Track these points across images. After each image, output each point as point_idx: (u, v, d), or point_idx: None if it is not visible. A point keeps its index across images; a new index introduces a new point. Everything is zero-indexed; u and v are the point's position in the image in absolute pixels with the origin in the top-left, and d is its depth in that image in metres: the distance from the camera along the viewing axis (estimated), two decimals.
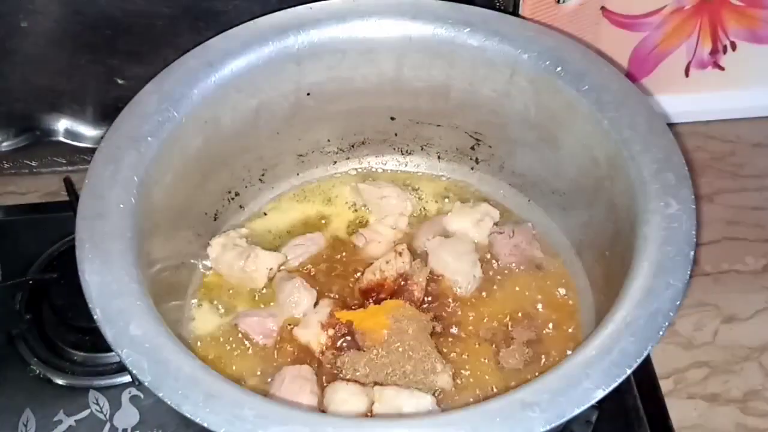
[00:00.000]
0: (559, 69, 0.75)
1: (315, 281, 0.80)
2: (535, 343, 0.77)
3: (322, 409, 0.71)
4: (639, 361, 0.57)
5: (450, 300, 0.79)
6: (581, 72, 0.75)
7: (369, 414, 0.70)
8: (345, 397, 0.70)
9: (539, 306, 0.80)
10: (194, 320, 0.79)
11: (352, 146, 0.91)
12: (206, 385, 0.56)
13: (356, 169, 0.92)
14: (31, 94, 0.96)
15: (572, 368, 0.57)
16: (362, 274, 0.80)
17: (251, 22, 0.78)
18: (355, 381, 0.72)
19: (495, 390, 0.74)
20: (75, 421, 0.80)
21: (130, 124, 0.71)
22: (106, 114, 0.73)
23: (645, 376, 0.85)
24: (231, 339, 0.77)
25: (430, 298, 0.79)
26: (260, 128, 0.82)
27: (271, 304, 0.80)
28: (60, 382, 0.83)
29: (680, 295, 0.61)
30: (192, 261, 0.82)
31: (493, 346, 0.77)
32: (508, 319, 0.79)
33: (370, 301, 0.78)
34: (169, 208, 0.74)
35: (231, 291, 0.81)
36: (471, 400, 0.73)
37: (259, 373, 0.75)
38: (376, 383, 0.71)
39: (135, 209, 0.67)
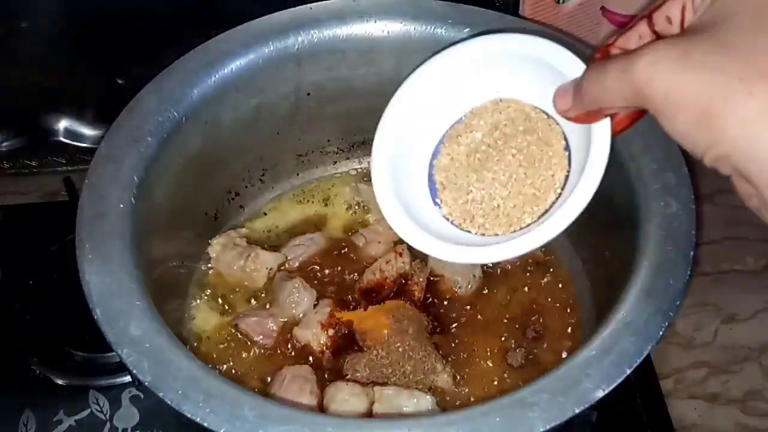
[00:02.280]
0: None
1: (315, 281, 0.80)
2: (535, 343, 0.77)
3: (322, 409, 0.71)
4: (639, 361, 0.57)
5: (450, 300, 0.79)
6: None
7: (369, 414, 0.70)
8: (345, 397, 0.70)
9: (539, 306, 0.80)
10: (194, 320, 0.79)
11: (352, 146, 0.91)
12: (206, 385, 0.56)
13: (356, 169, 0.92)
14: (31, 94, 0.96)
15: (572, 368, 0.57)
16: (362, 274, 0.80)
17: (251, 22, 0.78)
18: (355, 381, 0.72)
19: (495, 390, 0.74)
20: (75, 421, 0.80)
21: (131, 124, 0.71)
22: (107, 114, 0.72)
23: (645, 376, 0.85)
24: (231, 339, 0.77)
25: (430, 298, 0.79)
26: (260, 128, 0.82)
27: (271, 304, 0.80)
28: (60, 382, 0.83)
29: (680, 295, 0.61)
30: (192, 261, 0.82)
31: (493, 346, 0.77)
32: (507, 319, 0.79)
33: (371, 301, 0.78)
34: (170, 208, 0.74)
35: (231, 291, 0.81)
36: (471, 400, 0.73)
37: (259, 372, 0.75)
38: (376, 383, 0.71)
39: (135, 209, 0.67)
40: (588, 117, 0.54)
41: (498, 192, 0.60)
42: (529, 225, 0.59)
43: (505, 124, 0.61)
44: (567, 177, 0.59)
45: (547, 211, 0.59)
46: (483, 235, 0.60)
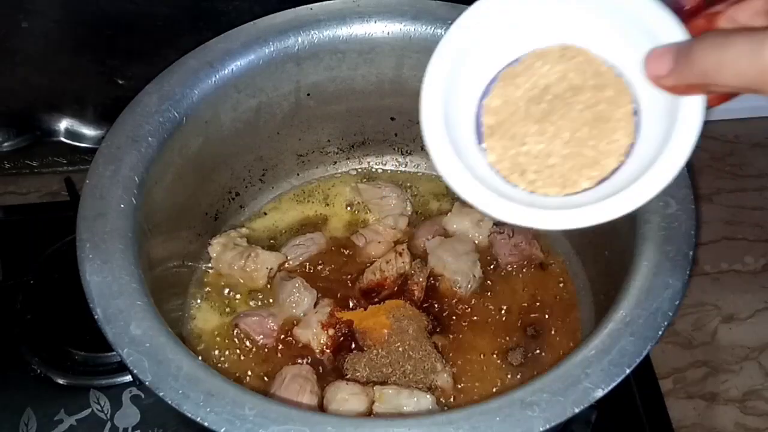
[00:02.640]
0: None
1: (315, 281, 0.80)
2: (535, 343, 0.77)
3: (322, 409, 0.71)
4: (638, 360, 0.57)
5: (450, 300, 0.79)
6: None
7: (369, 414, 0.70)
8: (345, 396, 0.70)
9: (539, 305, 0.80)
10: (194, 320, 0.79)
11: (352, 146, 0.91)
12: (206, 385, 0.56)
13: (356, 169, 0.92)
14: (32, 95, 0.96)
15: (572, 368, 0.57)
16: (362, 274, 0.80)
17: (251, 22, 0.78)
18: (355, 380, 0.72)
19: (494, 389, 0.74)
20: (76, 420, 0.80)
21: (131, 124, 0.71)
22: (107, 114, 0.73)
23: (644, 375, 0.85)
24: (231, 339, 0.77)
25: (430, 298, 0.79)
26: (260, 128, 0.82)
27: (271, 303, 0.80)
28: (61, 381, 0.83)
29: (680, 294, 0.61)
30: (192, 261, 0.82)
31: (493, 345, 0.77)
32: (507, 318, 0.79)
33: (371, 301, 0.78)
34: (170, 208, 0.74)
35: (231, 291, 0.81)
36: (471, 399, 0.73)
37: (259, 372, 0.75)
38: (376, 383, 0.72)
39: (135, 209, 0.67)
40: (686, 89, 0.48)
41: (557, 149, 0.53)
42: (583, 190, 0.53)
43: (574, 75, 0.54)
44: (632, 146, 0.53)
45: (605, 178, 0.53)
46: (531, 192, 0.54)
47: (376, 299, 0.78)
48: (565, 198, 0.53)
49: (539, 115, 0.54)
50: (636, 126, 0.53)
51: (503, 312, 0.79)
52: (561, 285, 0.81)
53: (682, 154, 0.49)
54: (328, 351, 0.75)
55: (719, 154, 1.06)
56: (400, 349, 0.73)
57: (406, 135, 0.89)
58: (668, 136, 0.50)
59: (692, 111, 0.49)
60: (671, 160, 0.49)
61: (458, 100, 0.55)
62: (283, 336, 0.77)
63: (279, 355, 0.76)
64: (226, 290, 0.81)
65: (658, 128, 0.51)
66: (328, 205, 0.89)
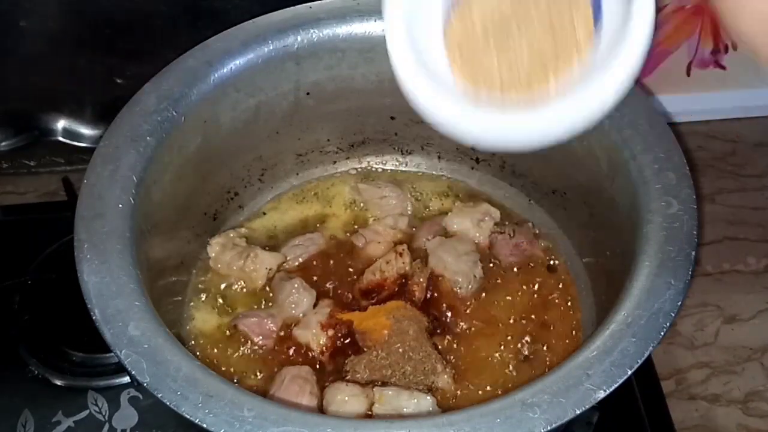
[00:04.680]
0: None
1: (314, 281, 0.80)
2: (536, 344, 0.77)
3: (321, 410, 0.70)
4: (640, 361, 0.57)
5: (450, 300, 0.79)
6: None
7: (369, 415, 0.69)
8: (345, 397, 0.70)
9: (540, 306, 0.79)
10: (193, 320, 0.79)
11: (352, 146, 0.90)
12: (205, 386, 0.56)
13: (356, 168, 0.92)
14: (30, 94, 0.96)
15: (573, 369, 0.57)
16: (362, 274, 0.80)
17: (250, 21, 0.77)
18: (355, 382, 0.72)
19: (495, 391, 0.73)
20: (74, 422, 0.80)
21: (129, 123, 0.70)
22: (105, 113, 0.72)
23: (646, 376, 0.84)
24: (230, 339, 0.77)
25: (430, 299, 0.79)
26: (259, 128, 0.82)
27: (271, 304, 0.79)
28: (59, 382, 0.82)
29: (682, 295, 0.61)
30: (191, 261, 0.81)
31: (494, 346, 0.76)
32: (508, 319, 0.78)
33: (371, 301, 0.78)
34: (168, 208, 0.74)
35: (230, 291, 0.81)
36: (471, 400, 0.73)
37: (258, 373, 0.75)
38: (376, 384, 0.71)
39: (134, 209, 0.66)
40: None
41: (522, 56, 0.53)
42: (549, 87, 0.53)
43: None
44: (591, 37, 0.52)
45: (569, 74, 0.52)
46: (501, 94, 0.54)
47: (376, 300, 0.78)
48: (535, 112, 0.52)
49: (498, 27, 0.54)
50: (595, 17, 0.52)
51: (504, 313, 0.79)
52: (562, 285, 0.81)
53: (641, 39, 0.49)
54: (327, 352, 0.75)
55: (721, 154, 1.06)
56: (401, 350, 0.73)
57: (406, 134, 0.89)
58: (626, 24, 0.49)
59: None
60: (632, 49, 0.49)
61: (423, 27, 0.57)
62: (282, 337, 0.77)
63: (278, 355, 0.76)
64: (225, 291, 0.81)
65: (612, 14, 0.51)
66: (327, 205, 0.89)
